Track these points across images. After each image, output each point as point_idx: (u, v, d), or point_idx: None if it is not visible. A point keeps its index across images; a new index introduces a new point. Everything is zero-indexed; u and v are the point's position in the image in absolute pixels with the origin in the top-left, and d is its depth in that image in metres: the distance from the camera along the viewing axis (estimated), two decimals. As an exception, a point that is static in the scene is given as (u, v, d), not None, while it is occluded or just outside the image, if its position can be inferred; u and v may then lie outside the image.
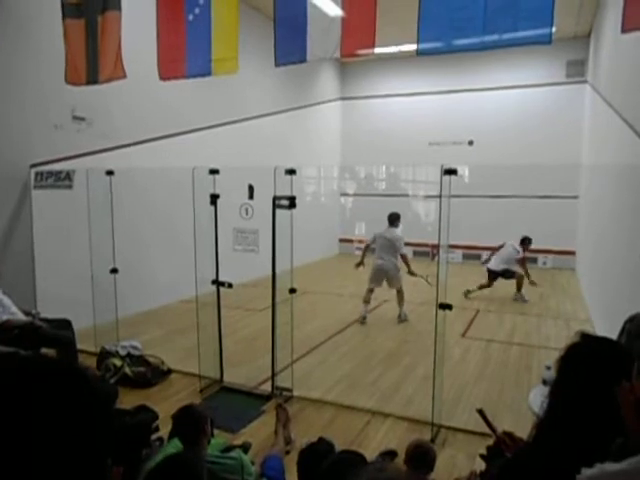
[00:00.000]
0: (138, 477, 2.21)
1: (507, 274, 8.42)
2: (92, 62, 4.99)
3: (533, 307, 7.95)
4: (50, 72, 5.53)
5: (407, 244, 6.68)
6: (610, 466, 0.91)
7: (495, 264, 8.46)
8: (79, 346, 4.67)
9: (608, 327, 4.54)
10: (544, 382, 3.73)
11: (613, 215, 5.75)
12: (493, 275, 8.44)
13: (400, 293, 7.03)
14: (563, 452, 1.21)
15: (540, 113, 11.26)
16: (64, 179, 5.57)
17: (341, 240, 13.37)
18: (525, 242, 8.52)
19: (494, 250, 8.70)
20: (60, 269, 5.88)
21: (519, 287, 8.40)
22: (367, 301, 6.95)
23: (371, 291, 6.97)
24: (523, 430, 1.83)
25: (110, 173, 5.21)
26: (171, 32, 4.79)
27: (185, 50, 4.75)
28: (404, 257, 6.88)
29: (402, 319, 7.01)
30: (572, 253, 10.92)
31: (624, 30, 3.23)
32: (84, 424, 0.71)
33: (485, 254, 9.21)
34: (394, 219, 6.88)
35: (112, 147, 6.67)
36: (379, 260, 6.87)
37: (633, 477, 0.87)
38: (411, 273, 6.85)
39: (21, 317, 4.31)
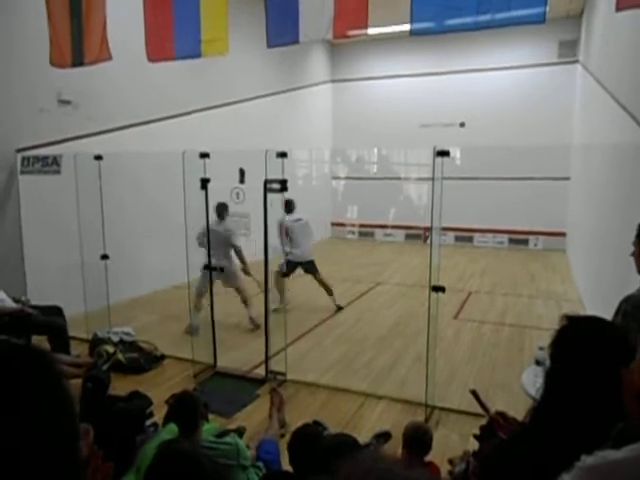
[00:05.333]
0: (132, 462, 2.21)
1: None
2: (77, 43, 4.86)
3: (524, 288, 8.01)
4: (36, 54, 5.38)
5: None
6: (611, 454, 0.89)
7: None
8: (71, 333, 4.62)
9: (599, 307, 4.58)
10: (537, 362, 3.75)
11: (604, 196, 5.77)
12: None
13: (242, 292, 5.85)
14: (560, 437, 1.20)
15: (532, 94, 11.21)
16: (51, 164, 5.47)
17: (333, 224, 13.35)
18: None
19: None
20: (50, 255, 5.80)
21: None
22: (199, 308, 5.55)
23: (201, 295, 5.50)
24: (516, 410, 1.83)
25: (98, 158, 5.12)
26: (158, 12, 4.66)
27: (174, 31, 4.63)
28: (239, 252, 5.76)
29: (255, 324, 5.67)
30: (563, 234, 10.98)
31: (618, 8, 3.18)
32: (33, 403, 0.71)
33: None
34: (222, 210, 5.67)
35: (100, 131, 6.55)
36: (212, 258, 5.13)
37: (635, 465, 0.86)
38: (246, 272, 5.78)
39: (10, 304, 4.26)
